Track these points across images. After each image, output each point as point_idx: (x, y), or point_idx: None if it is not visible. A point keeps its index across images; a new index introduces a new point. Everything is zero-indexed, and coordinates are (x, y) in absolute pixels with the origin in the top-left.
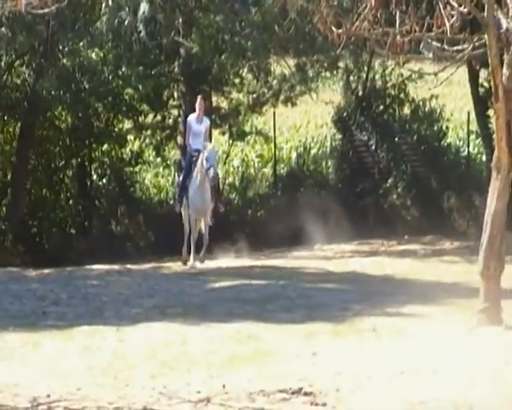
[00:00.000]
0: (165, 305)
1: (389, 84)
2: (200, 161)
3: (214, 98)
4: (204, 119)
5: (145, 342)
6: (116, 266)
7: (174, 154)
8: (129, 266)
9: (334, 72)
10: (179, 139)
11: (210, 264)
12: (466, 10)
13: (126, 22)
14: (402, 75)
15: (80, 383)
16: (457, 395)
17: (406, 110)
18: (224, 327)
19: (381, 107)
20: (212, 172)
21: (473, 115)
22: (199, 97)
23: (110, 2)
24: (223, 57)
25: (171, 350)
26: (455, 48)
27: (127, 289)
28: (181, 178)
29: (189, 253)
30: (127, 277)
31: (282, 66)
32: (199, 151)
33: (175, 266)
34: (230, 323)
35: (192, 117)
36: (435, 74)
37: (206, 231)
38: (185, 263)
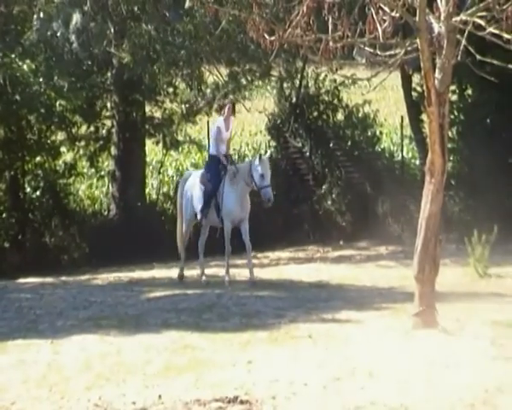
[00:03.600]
0: (101, 316)
1: (323, 91)
2: (244, 169)
3: (147, 108)
4: (231, 122)
5: (80, 354)
6: (50, 279)
7: (108, 164)
8: (63, 278)
9: (268, 80)
10: (113, 150)
11: (143, 274)
12: (398, 15)
13: (58, 34)
14: (335, 81)
15: (15, 396)
16: (393, 399)
17: (340, 116)
18: (160, 337)
19: (315, 113)
20: (269, 193)
21: (406, 120)
22: (229, 102)
23: (42, 14)
24: (155, 67)
25: (106, 361)
26: (387, 53)
27: (62, 302)
28: (207, 188)
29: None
30: (62, 289)
31: (214, 75)
32: (225, 157)
33: (110, 277)
34: (166, 333)
35: (221, 121)
36: (368, 80)
37: (248, 240)
38: (182, 278)
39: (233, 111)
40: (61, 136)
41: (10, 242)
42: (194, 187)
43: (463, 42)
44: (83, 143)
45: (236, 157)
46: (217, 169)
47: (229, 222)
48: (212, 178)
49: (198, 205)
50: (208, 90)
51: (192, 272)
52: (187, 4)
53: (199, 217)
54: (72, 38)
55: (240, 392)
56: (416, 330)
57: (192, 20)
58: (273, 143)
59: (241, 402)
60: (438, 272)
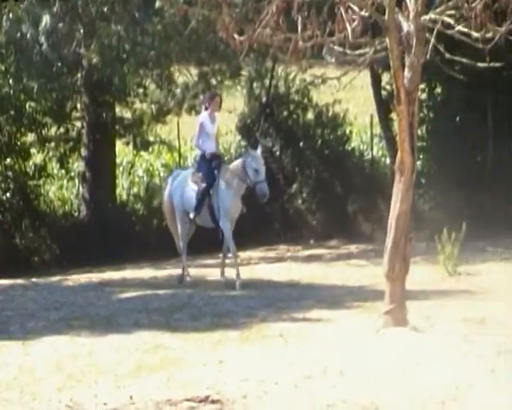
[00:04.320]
0: (72, 317)
1: (292, 90)
2: (236, 166)
3: (117, 109)
4: (216, 117)
5: (51, 356)
6: (21, 280)
7: (78, 166)
8: (34, 279)
9: (237, 79)
10: (83, 151)
11: (114, 275)
12: (367, 14)
13: (28, 35)
14: (305, 81)
15: None
16: (364, 397)
17: (310, 115)
18: (131, 337)
19: (285, 113)
20: (264, 188)
21: (376, 119)
22: (213, 93)
23: (11, 16)
24: (125, 67)
25: (77, 362)
26: (357, 52)
27: (33, 303)
28: (200, 187)
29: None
30: (33, 290)
31: (184, 75)
32: (217, 156)
33: (81, 278)
34: (137, 333)
35: (205, 115)
36: (338, 79)
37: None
38: (181, 281)
39: (219, 105)
40: (31, 137)
41: None
42: (184, 186)
43: (432, 40)
44: (53, 144)
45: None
46: (209, 168)
47: (228, 222)
48: (206, 177)
49: (190, 205)
50: (178, 91)
51: (163, 273)
52: (156, 4)
53: (191, 216)
54: (42, 39)
55: (211, 391)
56: (386, 329)
57: (161, 21)
58: (243, 143)
59: (213, 402)
60: (408, 271)
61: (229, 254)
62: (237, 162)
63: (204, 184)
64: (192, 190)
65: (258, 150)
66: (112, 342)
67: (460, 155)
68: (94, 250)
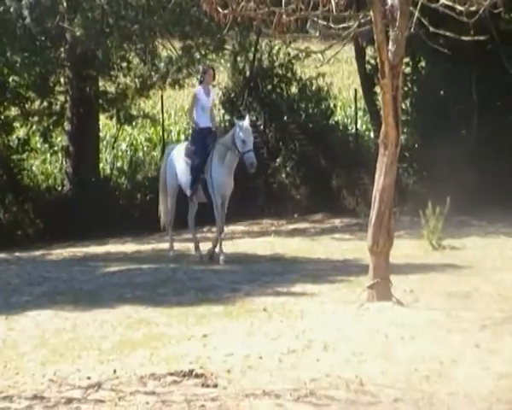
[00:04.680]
0: (55, 292)
1: (276, 64)
2: (227, 139)
3: (101, 83)
4: (211, 90)
5: (35, 330)
6: (4, 255)
7: (61, 140)
8: (17, 254)
9: (221, 53)
10: (66, 125)
11: (98, 249)
12: None
13: (11, 9)
14: (289, 54)
15: None
16: (348, 371)
17: (294, 89)
18: (115, 312)
19: (269, 87)
20: (251, 158)
21: (360, 92)
22: (206, 66)
23: None
24: (108, 41)
25: (61, 337)
26: (341, 25)
27: (16, 278)
28: (194, 162)
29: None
30: (16, 265)
31: (168, 49)
32: (210, 129)
33: (64, 252)
34: (121, 308)
35: (200, 89)
36: (322, 53)
37: (223, 219)
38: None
39: (213, 77)
40: (14, 111)
41: None
42: (178, 160)
43: (416, 13)
44: (36, 118)
45: (191, 131)
46: (203, 142)
47: (218, 197)
48: (199, 152)
49: (183, 179)
50: (162, 65)
51: (147, 247)
52: None
53: (188, 193)
54: (25, 13)
55: (195, 366)
56: (370, 303)
57: None
58: (227, 117)
59: (196, 376)
60: (392, 245)
61: (214, 229)
62: (228, 135)
63: (197, 159)
64: (185, 163)
65: (246, 121)
66: (95, 317)
67: (444, 129)
68: (77, 225)
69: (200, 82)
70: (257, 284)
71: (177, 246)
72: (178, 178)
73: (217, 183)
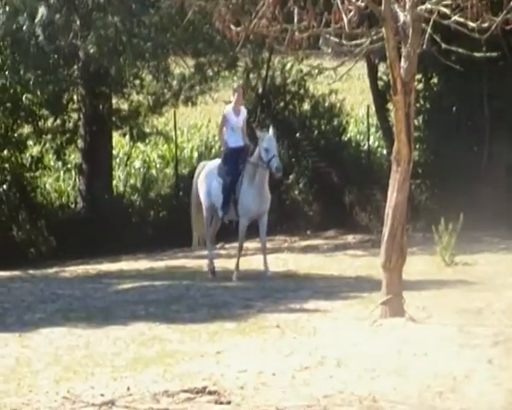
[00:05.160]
0: (69, 309)
1: (289, 81)
2: (255, 156)
3: (114, 100)
4: (242, 109)
5: (48, 347)
6: (18, 272)
7: (75, 157)
8: (31, 271)
9: (234, 70)
10: (79, 143)
11: (111, 266)
12: (363, 4)
13: (24, 27)
14: (301, 71)
15: None
16: (362, 387)
17: (306, 106)
18: (128, 329)
19: (282, 103)
20: (275, 162)
21: (372, 109)
22: (236, 86)
23: (7, 8)
24: (121, 59)
25: (74, 354)
26: (353, 42)
27: (30, 295)
28: (225, 182)
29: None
30: (29, 283)
31: (181, 66)
32: (241, 148)
33: (78, 270)
34: (134, 325)
35: (229, 108)
36: (334, 69)
37: (265, 233)
38: (214, 272)
39: (242, 97)
40: (27, 129)
41: None
42: (211, 178)
43: (429, 30)
44: (49, 136)
45: (203, 149)
46: (234, 162)
47: (246, 219)
48: (230, 172)
49: (216, 198)
50: (175, 82)
51: (160, 264)
52: None
53: (220, 215)
54: (38, 31)
55: (208, 383)
56: (383, 319)
57: (158, 12)
58: None
59: (210, 393)
60: (405, 261)
61: (265, 248)
62: (255, 152)
63: (228, 179)
64: (218, 183)
65: (270, 131)
66: (109, 334)
67: (457, 146)
68: (90, 242)
69: (230, 102)
70: (270, 300)
71: (191, 263)
72: (213, 197)
73: (244, 206)
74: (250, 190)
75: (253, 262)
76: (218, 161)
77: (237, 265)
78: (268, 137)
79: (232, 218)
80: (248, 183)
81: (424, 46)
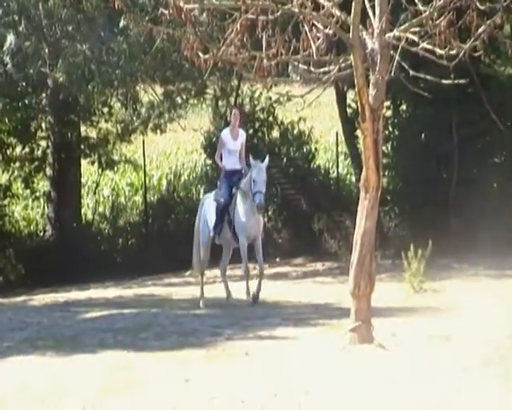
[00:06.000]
0: (37, 337)
1: (258, 108)
2: (244, 183)
3: (83, 128)
4: (240, 132)
5: (16, 376)
6: None
7: (43, 185)
8: None
9: (203, 98)
10: (48, 171)
11: (80, 294)
12: (331, 32)
13: None
14: (270, 99)
15: None
16: None
17: (275, 133)
18: (97, 358)
19: (251, 131)
20: (257, 199)
21: (341, 136)
22: (234, 109)
23: None
24: (90, 87)
25: (42, 383)
26: (322, 70)
27: None
28: (219, 203)
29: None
30: None
31: (150, 94)
32: (237, 171)
33: (46, 298)
34: (103, 353)
35: (226, 132)
36: (302, 96)
37: (261, 257)
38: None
39: (237, 119)
40: None
41: None
42: (208, 207)
43: (397, 57)
44: (18, 164)
45: (172, 177)
46: (229, 184)
47: (244, 238)
48: (224, 194)
49: (211, 223)
50: (143, 110)
51: (129, 292)
52: (121, 23)
53: (211, 234)
54: (7, 59)
55: None
56: (352, 346)
57: (127, 40)
58: (209, 162)
59: None
60: (373, 288)
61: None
62: (246, 178)
63: (222, 201)
64: (213, 207)
65: (264, 162)
66: (77, 363)
67: (425, 172)
68: (59, 270)
69: (228, 125)
70: (238, 328)
71: (160, 291)
72: (208, 225)
73: (241, 223)
74: (243, 210)
75: (221, 289)
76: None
77: (248, 288)
78: (258, 168)
79: (229, 242)
80: (241, 203)
81: (392, 73)
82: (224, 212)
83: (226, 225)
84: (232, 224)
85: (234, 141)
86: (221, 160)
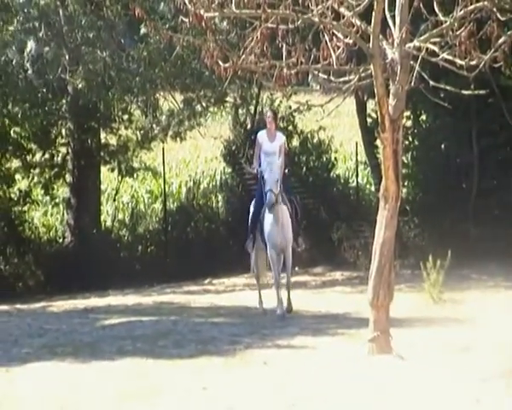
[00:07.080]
0: (56, 344)
1: (278, 117)
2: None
3: (103, 135)
4: (278, 135)
5: (35, 383)
6: (5, 307)
7: (63, 192)
8: (18, 305)
9: (223, 106)
10: (68, 177)
11: (99, 301)
12: (351, 41)
13: (13, 61)
14: (290, 107)
15: None
16: None
17: (295, 142)
18: (115, 365)
19: None
20: (267, 198)
21: (361, 146)
22: (268, 111)
23: None
24: (110, 93)
25: (60, 389)
26: (341, 79)
27: (17, 330)
28: (252, 210)
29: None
30: (17, 317)
31: (169, 101)
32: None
33: (65, 304)
34: (121, 360)
35: (263, 132)
36: (322, 106)
37: (289, 270)
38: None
39: (271, 120)
40: (15, 163)
41: None
42: (265, 213)
43: (417, 68)
44: (38, 170)
45: (191, 185)
46: (261, 190)
47: (271, 248)
48: (257, 200)
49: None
50: (163, 117)
51: (148, 299)
52: (142, 31)
53: (245, 243)
54: (27, 65)
55: None
56: (370, 356)
57: (147, 47)
58: (228, 170)
59: None
60: (392, 298)
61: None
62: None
63: (254, 207)
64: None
65: (277, 161)
66: (95, 370)
67: (445, 183)
68: (78, 276)
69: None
70: (257, 336)
71: (179, 298)
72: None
73: (269, 233)
74: (269, 217)
75: (240, 298)
76: None
77: (278, 298)
78: (270, 168)
79: (260, 247)
80: (269, 210)
81: (412, 83)
82: (256, 218)
83: (259, 233)
84: (262, 232)
85: (270, 143)
86: (259, 165)
